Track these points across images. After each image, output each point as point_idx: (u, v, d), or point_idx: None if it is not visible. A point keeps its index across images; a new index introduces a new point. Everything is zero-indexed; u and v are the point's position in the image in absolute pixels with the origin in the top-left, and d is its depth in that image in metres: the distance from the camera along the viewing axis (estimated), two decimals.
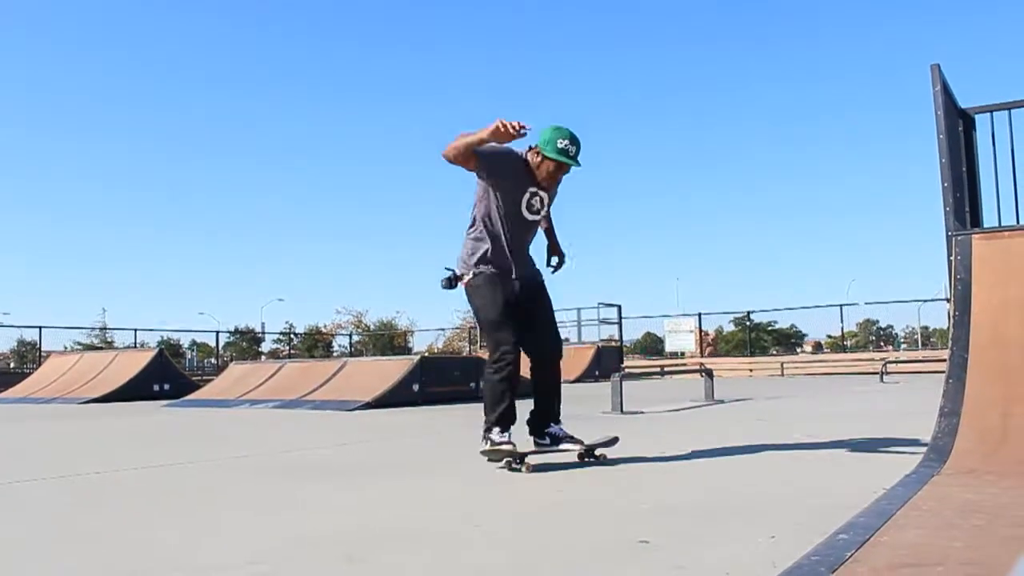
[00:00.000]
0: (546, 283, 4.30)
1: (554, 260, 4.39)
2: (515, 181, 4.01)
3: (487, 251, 4.03)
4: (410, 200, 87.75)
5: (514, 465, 3.93)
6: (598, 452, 4.20)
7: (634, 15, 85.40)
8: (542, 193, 4.10)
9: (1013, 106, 4.88)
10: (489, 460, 4.07)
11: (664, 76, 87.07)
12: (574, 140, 3.90)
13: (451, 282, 4.13)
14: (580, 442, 4.13)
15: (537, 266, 4.30)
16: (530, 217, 4.11)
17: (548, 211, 4.28)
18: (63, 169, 77.79)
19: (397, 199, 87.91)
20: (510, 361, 3.99)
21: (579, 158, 3.94)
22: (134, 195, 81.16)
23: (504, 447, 3.96)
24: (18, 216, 73.36)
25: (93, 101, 78.83)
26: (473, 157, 3.82)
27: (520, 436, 4.04)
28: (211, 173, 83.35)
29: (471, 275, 4.05)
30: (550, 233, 4.43)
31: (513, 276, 4.08)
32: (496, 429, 4.02)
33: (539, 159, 3.94)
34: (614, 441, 4.27)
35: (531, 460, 3.95)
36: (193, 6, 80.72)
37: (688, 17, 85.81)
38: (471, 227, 4.12)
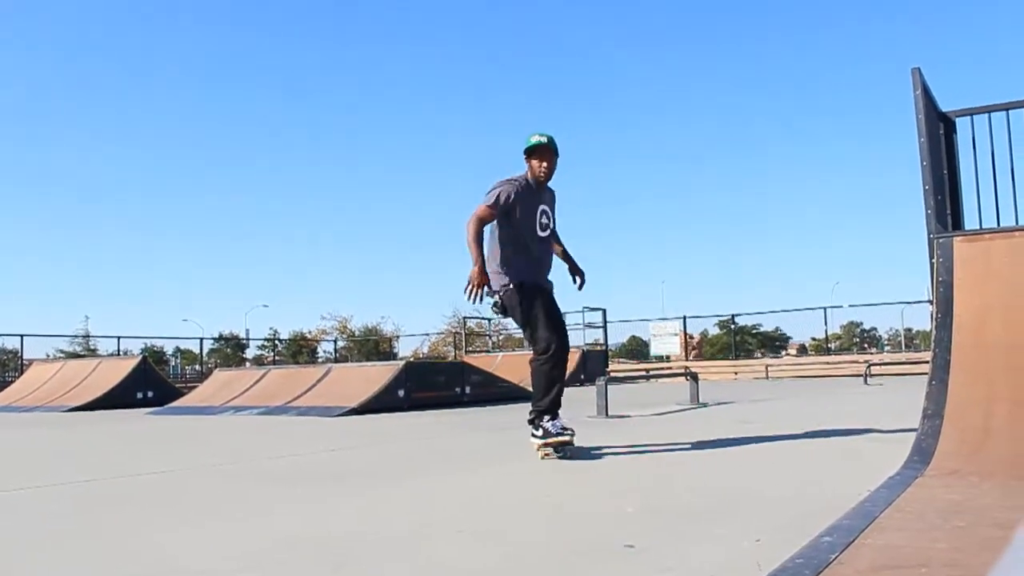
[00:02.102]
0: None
1: (577, 280, 4.99)
2: (525, 204, 4.58)
3: (516, 264, 4.57)
4: (395, 206, 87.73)
5: (564, 453, 4.43)
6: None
7: (619, 17, 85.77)
8: (548, 209, 4.74)
9: (993, 109, 4.92)
10: (540, 449, 4.44)
11: (648, 79, 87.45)
12: (543, 134, 4.62)
13: (502, 308, 4.61)
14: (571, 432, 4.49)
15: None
16: (541, 233, 4.69)
17: (555, 232, 4.89)
18: (43, 174, 77.14)
19: (382, 204, 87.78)
20: (559, 352, 4.48)
21: (553, 149, 4.62)
22: (116, 201, 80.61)
23: (564, 436, 4.42)
24: None
25: (73, 105, 78.31)
26: (490, 215, 4.54)
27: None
28: (195, 178, 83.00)
29: (511, 287, 4.54)
30: (567, 257, 5.00)
31: (541, 282, 4.66)
32: (547, 417, 4.45)
33: (528, 163, 4.62)
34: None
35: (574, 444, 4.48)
36: (178, 5, 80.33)
37: (671, 20, 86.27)
38: (496, 245, 4.62)
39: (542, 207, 4.67)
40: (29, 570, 2.29)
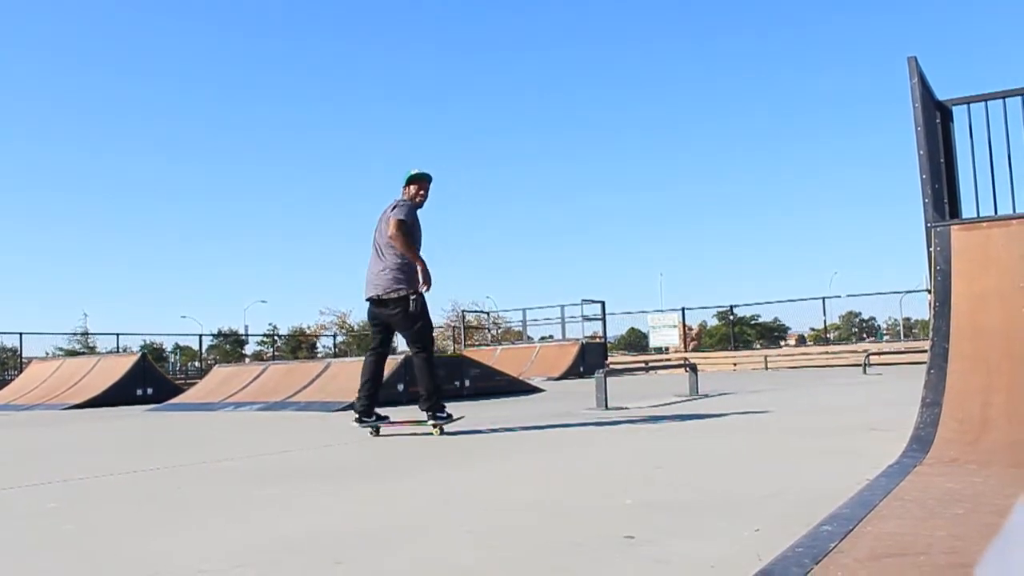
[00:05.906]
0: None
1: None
2: (419, 226, 5.69)
3: (418, 275, 5.55)
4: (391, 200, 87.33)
5: (446, 430, 5.67)
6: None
7: (619, 11, 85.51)
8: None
9: (989, 98, 4.92)
10: (443, 428, 5.66)
11: (645, 73, 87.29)
12: (420, 169, 5.80)
13: (415, 307, 5.60)
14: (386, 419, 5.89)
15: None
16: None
17: None
18: (41, 173, 77.01)
19: (378, 199, 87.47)
20: (433, 348, 5.83)
21: (426, 178, 5.83)
22: (114, 198, 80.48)
23: (459, 419, 5.73)
24: None
25: (70, 104, 78.11)
26: (410, 227, 5.57)
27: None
28: (192, 175, 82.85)
29: (419, 293, 5.60)
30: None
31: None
32: (443, 404, 5.72)
33: (410, 189, 5.76)
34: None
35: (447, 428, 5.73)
36: (177, 7, 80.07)
37: (668, 12, 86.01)
38: (401, 257, 5.54)
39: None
40: (22, 570, 2.29)
